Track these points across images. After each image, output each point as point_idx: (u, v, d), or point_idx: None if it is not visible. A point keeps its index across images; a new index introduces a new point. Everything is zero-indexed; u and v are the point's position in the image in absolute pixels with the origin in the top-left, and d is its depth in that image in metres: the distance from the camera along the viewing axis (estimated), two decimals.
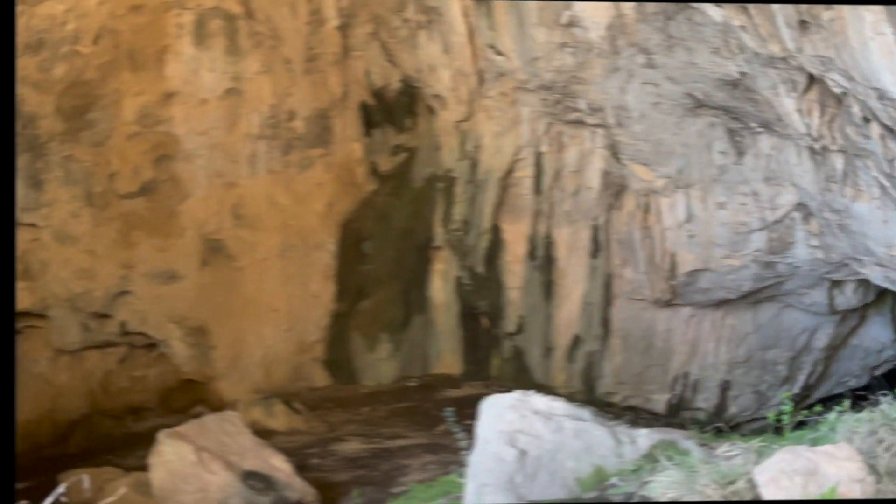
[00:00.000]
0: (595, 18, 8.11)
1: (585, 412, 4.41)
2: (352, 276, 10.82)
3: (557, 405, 4.34)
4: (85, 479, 3.50)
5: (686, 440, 4.89)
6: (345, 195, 10.76)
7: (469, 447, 5.19)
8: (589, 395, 9.99)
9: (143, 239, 9.77)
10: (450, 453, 7.63)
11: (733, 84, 7.55)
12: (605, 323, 10.29)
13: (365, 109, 10.80)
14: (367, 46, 10.55)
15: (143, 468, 6.77)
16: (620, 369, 10.33)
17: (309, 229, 10.59)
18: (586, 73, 8.77)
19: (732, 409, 10.08)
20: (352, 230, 10.85)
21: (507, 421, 4.24)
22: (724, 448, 4.44)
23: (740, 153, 8.53)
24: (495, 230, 10.64)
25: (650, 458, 4.32)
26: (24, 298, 9.33)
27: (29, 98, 8.95)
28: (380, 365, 10.83)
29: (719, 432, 5.66)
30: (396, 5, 10.08)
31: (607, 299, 10.23)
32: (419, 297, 11.01)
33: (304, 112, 10.37)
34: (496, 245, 10.69)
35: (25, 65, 8.81)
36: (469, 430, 6.49)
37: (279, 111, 10.24)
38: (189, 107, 9.82)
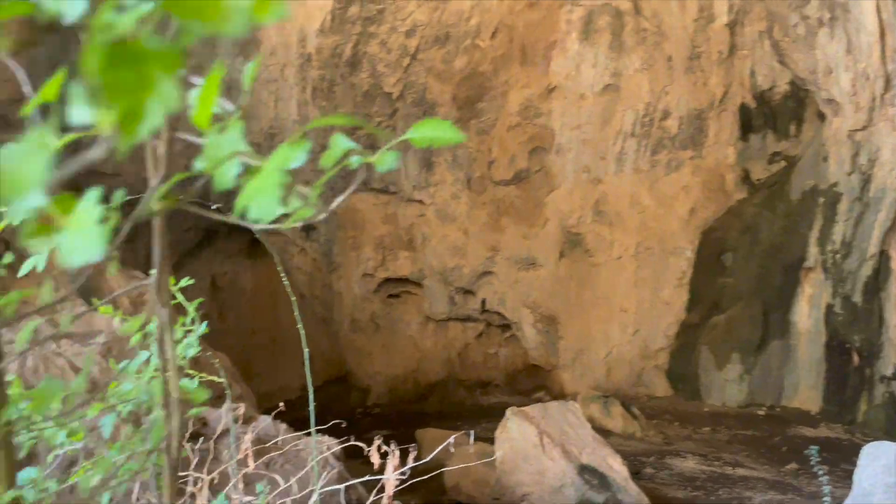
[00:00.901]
0: None
1: None
2: (707, 288, 11.56)
3: None
4: (471, 434, 4.55)
5: None
6: (710, 201, 11.49)
7: (833, 494, 5.59)
8: None
9: (509, 225, 11.67)
10: (801, 496, 8.05)
11: None
12: None
13: (744, 112, 11.36)
14: (755, 45, 11.07)
15: (486, 440, 7.93)
16: None
17: (668, 233, 11.56)
18: None
19: None
20: (713, 239, 11.56)
21: None
22: None
23: None
24: (883, 257, 10.54)
25: None
26: (405, 266, 11.86)
27: (432, 87, 11.21)
28: (727, 386, 11.47)
29: None
30: (797, 1, 10.39)
31: None
32: (780, 319, 11.37)
33: (679, 111, 11.30)
34: (882, 274, 10.58)
35: (432, 56, 11.06)
36: (828, 475, 6.91)
37: (654, 109, 11.31)
38: (567, 101, 11.38)
